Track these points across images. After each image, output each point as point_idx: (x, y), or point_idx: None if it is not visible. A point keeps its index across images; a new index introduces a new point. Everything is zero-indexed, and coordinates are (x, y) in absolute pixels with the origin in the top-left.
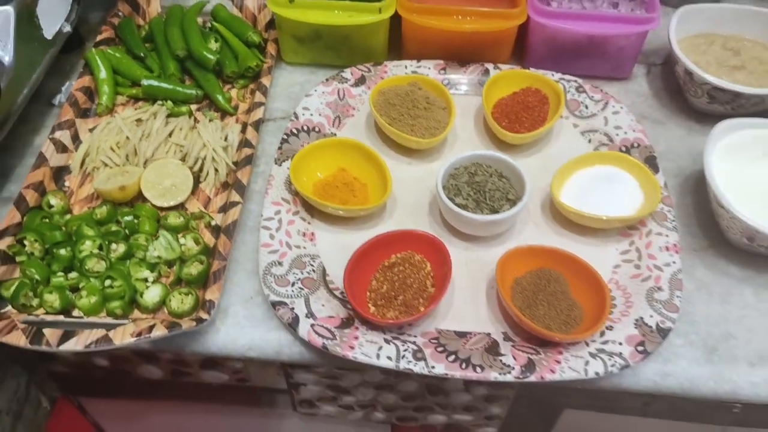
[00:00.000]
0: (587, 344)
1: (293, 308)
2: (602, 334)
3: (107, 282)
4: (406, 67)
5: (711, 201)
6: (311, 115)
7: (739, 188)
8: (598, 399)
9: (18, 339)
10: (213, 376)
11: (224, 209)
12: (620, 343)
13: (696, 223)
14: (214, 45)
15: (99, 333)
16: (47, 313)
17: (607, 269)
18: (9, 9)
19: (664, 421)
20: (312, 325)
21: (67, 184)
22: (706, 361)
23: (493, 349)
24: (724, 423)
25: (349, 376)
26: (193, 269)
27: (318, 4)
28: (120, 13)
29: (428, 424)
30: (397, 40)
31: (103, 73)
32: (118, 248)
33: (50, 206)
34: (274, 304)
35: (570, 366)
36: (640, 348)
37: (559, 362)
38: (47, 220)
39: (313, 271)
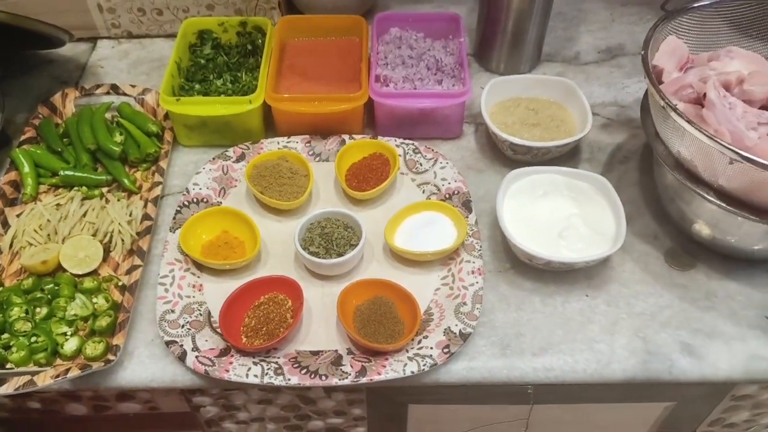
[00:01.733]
0: (407, 351)
1: (182, 345)
2: (419, 342)
3: (33, 339)
4: (278, 143)
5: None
6: (200, 189)
7: (523, 221)
8: (430, 393)
9: None
10: (129, 407)
11: (129, 272)
12: (431, 348)
13: (503, 249)
14: (118, 138)
15: (25, 378)
16: None
17: (429, 292)
18: None
19: (485, 406)
20: (197, 357)
21: None
22: (501, 355)
23: (337, 361)
24: (528, 402)
25: (236, 395)
26: (103, 322)
27: (200, 100)
28: (40, 115)
29: (311, 430)
30: (272, 121)
31: (26, 168)
32: (42, 311)
33: None
34: (168, 343)
35: (392, 368)
36: (446, 350)
37: (384, 366)
38: None
39: (200, 314)
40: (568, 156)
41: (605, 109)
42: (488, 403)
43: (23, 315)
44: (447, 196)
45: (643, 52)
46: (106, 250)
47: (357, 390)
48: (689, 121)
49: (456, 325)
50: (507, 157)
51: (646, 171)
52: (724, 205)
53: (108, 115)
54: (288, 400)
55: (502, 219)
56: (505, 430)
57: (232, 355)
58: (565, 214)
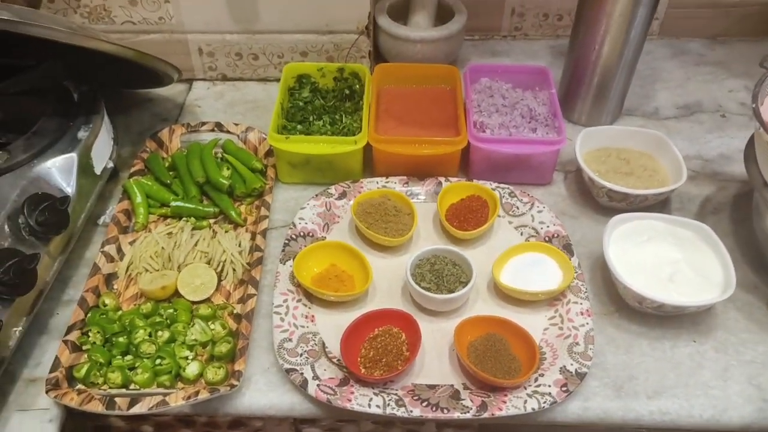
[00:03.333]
0: (525, 388)
1: (302, 373)
2: (536, 380)
3: (157, 361)
4: (377, 182)
5: (611, 276)
6: (306, 223)
7: (630, 265)
8: None
9: (96, 407)
10: None
11: (242, 300)
12: (549, 386)
13: (605, 293)
14: (226, 173)
15: (158, 398)
16: (110, 388)
17: (538, 331)
18: (74, 155)
19: None
20: (318, 385)
21: (115, 287)
22: (615, 396)
23: (455, 395)
24: None
25: (346, 427)
26: (223, 348)
27: (307, 139)
28: (148, 149)
29: None
30: (370, 162)
31: (138, 198)
32: (164, 334)
33: (105, 305)
34: (288, 371)
35: (513, 405)
36: (564, 388)
37: (504, 402)
38: (104, 316)
39: (315, 344)
40: (660, 205)
41: (690, 162)
42: None
43: (147, 337)
44: (546, 239)
45: (754, 105)
46: (218, 279)
47: (469, 427)
48: None
49: (571, 364)
50: (600, 204)
51: (740, 222)
52: None
53: (213, 150)
54: None
55: (611, 261)
56: None
57: (352, 385)
58: (671, 260)
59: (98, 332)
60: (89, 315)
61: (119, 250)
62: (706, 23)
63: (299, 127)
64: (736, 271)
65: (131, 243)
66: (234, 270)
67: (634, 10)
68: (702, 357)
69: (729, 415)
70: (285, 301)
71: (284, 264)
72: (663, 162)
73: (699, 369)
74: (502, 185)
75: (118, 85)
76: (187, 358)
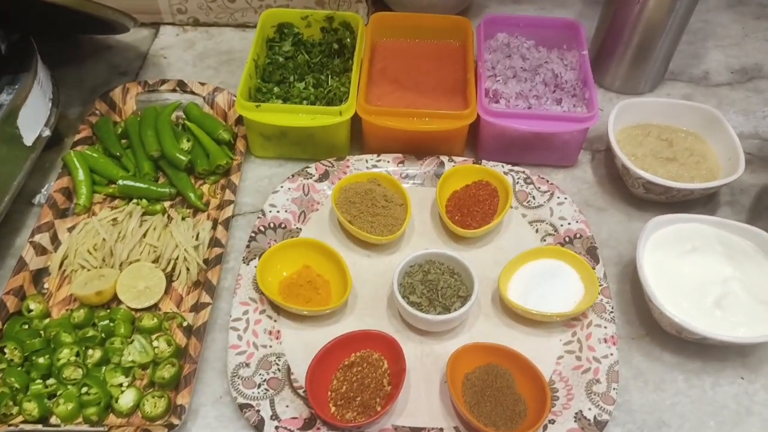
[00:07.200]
0: None
1: (259, 410)
2: (545, 428)
3: (84, 389)
4: (367, 161)
5: (644, 296)
6: (278, 212)
7: (669, 281)
8: None
9: None
10: None
11: (195, 309)
12: None
13: (634, 311)
14: (186, 145)
15: None
16: (25, 421)
17: (551, 360)
18: None
19: None
20: (276, 427)
21: (46, 285)
22: None
23: None
24: None
25: None
26: (166, 372)
27: (282, 108)
28: (97, 111)
29: None
30: (359, 135)
31: (81, 175)
32: (95, 354)
33: (29, 311)
34: (242, 407)
35: None
36: None
37: None
38: (26, 326)
39: (278, 370)
40: (706, 199)
41: (744, 142)
42: None
43: (73, 359)
44: (566, 239)
45: None
46: (169, 279)
47: None
48: None
49: (589, 409)
50: (634, 194)
51: None
52: None
53: (173, 116)
54: None
55: (645, 279)
56: None
57: (318, 428)
58: (720, 277)
59: (16, 348)
60: (7, 325)
61: (54, 238)
62: None
63: (276, 89)
64: None
65: (70, 229)
66: (188, 269)
67: None
68: (751, 400)
69: None
70: (245, 312)
71: (248, 264)
72: (713, 144)
73: (747, 415)
74: (516, 168)
75: (69, 31)
76: (121, 385)
